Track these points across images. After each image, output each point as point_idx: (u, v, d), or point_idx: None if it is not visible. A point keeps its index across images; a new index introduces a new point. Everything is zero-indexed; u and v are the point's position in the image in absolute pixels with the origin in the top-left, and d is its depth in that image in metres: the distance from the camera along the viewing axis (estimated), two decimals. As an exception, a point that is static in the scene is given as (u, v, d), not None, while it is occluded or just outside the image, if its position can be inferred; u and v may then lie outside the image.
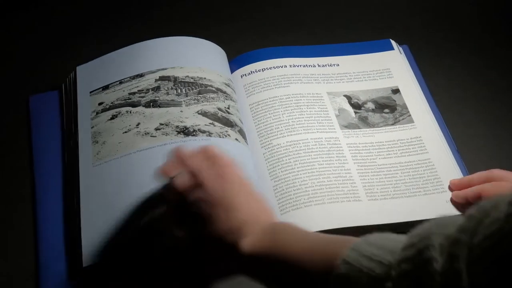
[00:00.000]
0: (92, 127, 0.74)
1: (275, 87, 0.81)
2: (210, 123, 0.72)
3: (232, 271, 0.58)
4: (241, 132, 0.74)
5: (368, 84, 0.84)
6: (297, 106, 0.79)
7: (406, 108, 0.81)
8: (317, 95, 0.81)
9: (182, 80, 0.77)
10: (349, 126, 0.79)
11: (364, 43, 0.90)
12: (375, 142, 0.78)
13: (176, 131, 0.71)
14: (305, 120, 0.78)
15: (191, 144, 0.69)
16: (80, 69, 0.81)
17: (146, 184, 0.65)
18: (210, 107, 0.74)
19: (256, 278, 0.55)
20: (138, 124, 0.73)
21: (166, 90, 0.76)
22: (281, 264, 0.53)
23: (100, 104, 0.77)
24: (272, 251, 0.54)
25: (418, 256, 0.42)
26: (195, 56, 0.81)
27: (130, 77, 0.79)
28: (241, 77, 0.83)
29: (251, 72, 0.83)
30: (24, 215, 0.72)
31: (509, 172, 0.69)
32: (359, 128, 0.79)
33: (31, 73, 0.87)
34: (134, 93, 0.77)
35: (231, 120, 0.74)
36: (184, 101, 0.75)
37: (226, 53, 0.85)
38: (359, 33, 0.92)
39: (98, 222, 0.66)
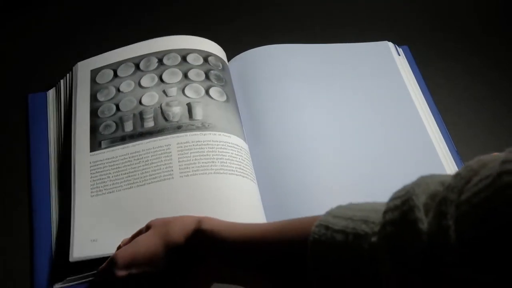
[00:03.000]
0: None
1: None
2: None
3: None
4: None
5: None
6: None
7: None
8: None
9: None
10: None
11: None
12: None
13: None
14: None
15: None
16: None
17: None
18: None
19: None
20: None
21: None
22: (243, 245, 0.51)
23: None
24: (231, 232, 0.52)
25: (403, 218, 0.41)
26: None
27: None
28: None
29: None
30: (21, 214, 0.72)
31: None
32: None
33: (30, 72, 0.87)
34: None
35: None
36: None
37: (226, 53, 0.85)
38: (359, 33, 0.92)
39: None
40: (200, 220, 0.55)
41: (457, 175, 0.41)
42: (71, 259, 0.63)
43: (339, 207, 0.47)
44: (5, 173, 0.76)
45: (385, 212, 0.42)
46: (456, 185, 0.40)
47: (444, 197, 0.40)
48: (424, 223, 0.39)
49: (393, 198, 0.43)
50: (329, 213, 0.47)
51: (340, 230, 0.44)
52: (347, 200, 0.69)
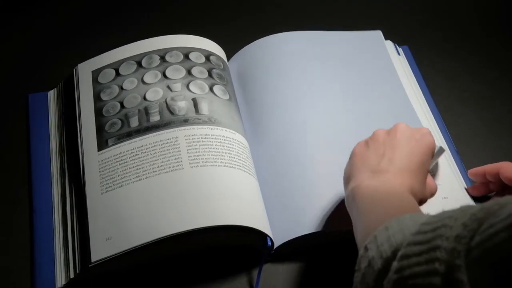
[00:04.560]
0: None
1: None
2: None
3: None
4: None
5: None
6: None
7: None
8: None
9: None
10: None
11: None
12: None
13: None
14: None
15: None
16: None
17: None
18: None
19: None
20: None
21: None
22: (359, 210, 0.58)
23: None
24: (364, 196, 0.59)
25: (426, 254, 0.44)
26: None
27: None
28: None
29: None
30: (21, 214, 0.73)
31: None
32: None
33: (30, 72, 0.87)
34: None
35: None
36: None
37: (226, 53, 0.85)
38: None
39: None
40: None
41: (472, 215, 0.42)
42: (90, 264, 0.64)
43: (397, 220, 0.51)
44: (5, 173, 0.76)
45: (407, 257, 0.45)
46: (471, 227, 0.42)
47: (459, 237, 0.42)
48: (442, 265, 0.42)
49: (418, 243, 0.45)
50: (386, 225, 0.51)
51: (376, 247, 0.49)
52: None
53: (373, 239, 0.50)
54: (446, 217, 0.45)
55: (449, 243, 0.42)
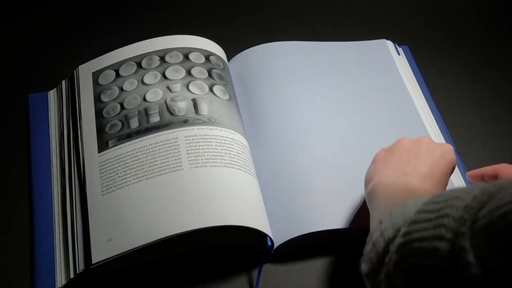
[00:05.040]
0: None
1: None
2: None
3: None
4: None
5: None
6: None
7: None
8: None
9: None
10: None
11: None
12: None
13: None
14: None
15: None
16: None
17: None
18: None
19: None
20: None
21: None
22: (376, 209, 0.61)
23: None
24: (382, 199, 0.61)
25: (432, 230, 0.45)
26: None
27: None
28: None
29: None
30: (21, 214, 0.73)
31: None
32: None
33: (30, 72, 0.88)
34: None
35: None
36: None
37: (226, 53, 0.85)
38: (359, 33, 0.93)
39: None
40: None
41: (483, 189, 0.43)
42: (91, 265, 0.64)
43: (400, 207, 0.52)
44: (5, 173, 0.76)
45: (415, 222, 0.46)
46: (480, 200, 0.43)
47: (461, 217, 0.43)
48: (447, 241, 0.43)
49: (425, 220, 0.46)
50: (391, 211, 0.53)
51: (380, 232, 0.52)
52: (347, 199, 0.69)
53: (388, 215, 0.52)
54: (459, 190, 0.47)
55: (457, 212, 0.44)
